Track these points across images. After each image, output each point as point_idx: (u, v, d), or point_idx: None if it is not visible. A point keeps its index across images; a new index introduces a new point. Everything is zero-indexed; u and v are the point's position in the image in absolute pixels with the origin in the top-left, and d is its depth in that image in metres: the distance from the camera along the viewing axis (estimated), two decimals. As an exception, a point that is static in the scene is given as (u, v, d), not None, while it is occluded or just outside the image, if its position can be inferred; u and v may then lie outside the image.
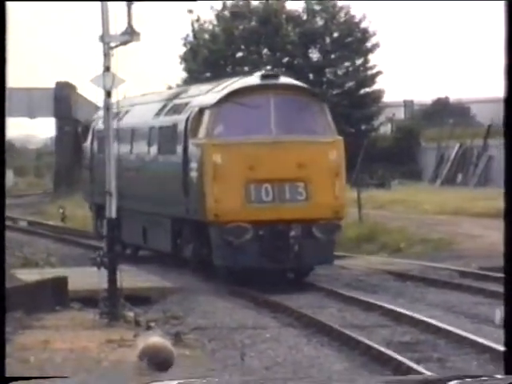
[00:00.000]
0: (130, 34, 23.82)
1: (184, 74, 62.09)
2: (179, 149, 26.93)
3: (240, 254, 24.76)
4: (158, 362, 9.57)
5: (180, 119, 27.26)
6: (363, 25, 61.53)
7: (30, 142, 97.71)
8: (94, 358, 19.25)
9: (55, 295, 25.72)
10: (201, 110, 26.03)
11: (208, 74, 48.33)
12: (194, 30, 62.14)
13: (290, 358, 19.64)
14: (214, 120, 25.58)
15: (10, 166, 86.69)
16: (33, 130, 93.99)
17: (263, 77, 26.30)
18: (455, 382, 5.07)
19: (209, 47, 60.33)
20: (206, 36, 61.83)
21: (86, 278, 26.62)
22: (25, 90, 70.50)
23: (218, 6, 60.84)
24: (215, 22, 61.86)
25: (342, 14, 62.19)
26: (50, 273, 28.44)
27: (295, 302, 24.04)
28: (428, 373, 17.55)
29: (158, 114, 30.00)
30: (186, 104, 27.69)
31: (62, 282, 26.12)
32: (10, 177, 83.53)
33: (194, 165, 25.96)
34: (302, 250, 24.91)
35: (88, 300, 25.13)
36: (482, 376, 5.33)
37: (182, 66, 62.95)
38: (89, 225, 41.74)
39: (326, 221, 25.16)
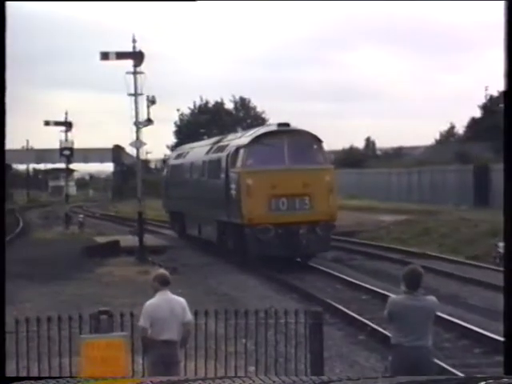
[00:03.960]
0: (148, 121, 32.42)
1: (175, 140, 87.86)
2: (222, 175, 27.98)
3: (266, 246, 25.63)
4: (162, 282, 9.72)
5: (223, 155, 28.48)
6: (263, 115, 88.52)
7: (101, 173, 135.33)
8: (132, 279, 23.56)
9: (113, 249, 30.34)
10: (237, 149, 27.26)
11: (187, 141, 61.23)
12: (180, 118, 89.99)
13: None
14: (247, 155, 26.52)
15: (90, 186, 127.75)
16: (102, 168, 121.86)
17: (279, 125, 27.33)
18: (455, 382, 4.06)
19: (186, 127, 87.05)
20: (185, 120, 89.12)
21: (128, 241, 31.40)
22: (98, 149, 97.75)
23: (191, 106, 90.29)
24: (189, 115, 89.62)
25: (252, 111, 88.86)
26: (110, 238, 33.89)
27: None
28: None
29: (207, 152, 31.56)
30: (227, 145, 29.05)
31: (116, 242, 31.28)
32: (90, 192, 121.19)
33: (233, 186, 26.91)
34: (309, 243, 25.97)
35: (129, 252, 29.76)
36: (482, 376, 4.25)
37: (173, 136, 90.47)
38: (130, 214, 47.18)
39: (325, 222, 26.22)
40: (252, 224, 25.60)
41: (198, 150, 34.20)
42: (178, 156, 38.41)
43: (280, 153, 26.06)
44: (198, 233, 32.74)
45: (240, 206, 26.00)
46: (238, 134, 31.07)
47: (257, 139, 26.60)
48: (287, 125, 27.21)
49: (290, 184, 25.76)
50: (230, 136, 32.16)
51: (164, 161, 48.37)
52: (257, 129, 29.24)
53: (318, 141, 27.19)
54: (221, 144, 30.48)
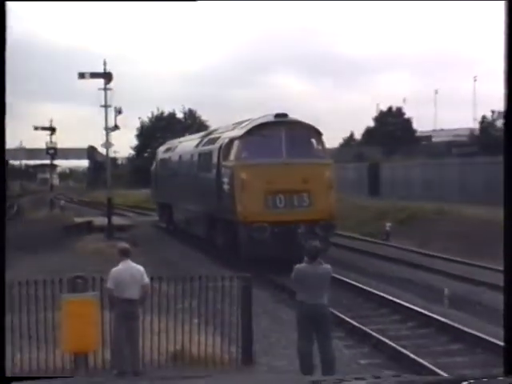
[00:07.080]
0: (115, 127, 31.41)
1: (136, 143, 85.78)
2: (214, 169, 21.73)
3: (261, 247, 19.34)
4: (125, 253, 9.71)
5: (214, 148, 22.18)
6: (207, 123, 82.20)
7: (78, 168, 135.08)
8: (103, 251, 22.46)
9: (88, 228, 30.24)
10: (231, 141, 20.91)
11: (147, 143, 59.94)
12: (141, 125, 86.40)
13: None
14: (241, 147, 20.21)
15: (70, 178, 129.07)
16: (80, 164, 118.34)
17: (276, 116, 20.63)
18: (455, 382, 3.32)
19: (146, 132, 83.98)
20: (145, 126, 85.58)
21: (100, 221, 31.10)
22: (76, 149, 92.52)
23: (150, 115, 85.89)
24: (148, 122, 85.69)
25: (198, 119, 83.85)
26: (86, 218, 34.00)
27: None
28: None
29: (197, 145, 25.26)
30: (218, 138, 22.80)
31: (90, 222, 31.57)
32: (71, 183, 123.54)
33: (225, 180, 20.67)
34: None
35: (101, 230, 29.35)
36: (482, 377, 3.32)
37: (135, 139, 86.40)
38: (102, 200, 44.49)
39: (325, 221, 19.78)
40: (246, 222, 19.36)
41: (188, 144, 27.72)
42: (167, 150, 31.93)
43: (277, 145, 19.87)
44: (186, 226, 26.82)
45: (234, 203, 19.78)
46: (231, 126, 23.47)
47: (252, 130, 20.34)
48: (285, 115, 20.72)
49: (288, 179, 19.64)
50: (222, 128, 25.09)
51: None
52: (252, 119, 21.94)
53: (318, 133, 20.89)
54: (212, 136, 24.24)
